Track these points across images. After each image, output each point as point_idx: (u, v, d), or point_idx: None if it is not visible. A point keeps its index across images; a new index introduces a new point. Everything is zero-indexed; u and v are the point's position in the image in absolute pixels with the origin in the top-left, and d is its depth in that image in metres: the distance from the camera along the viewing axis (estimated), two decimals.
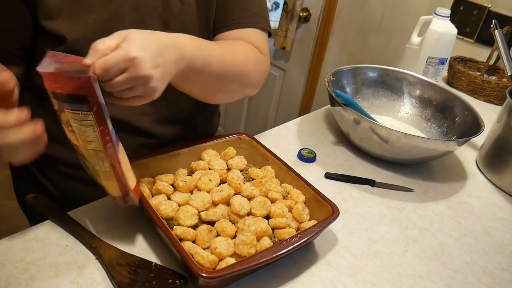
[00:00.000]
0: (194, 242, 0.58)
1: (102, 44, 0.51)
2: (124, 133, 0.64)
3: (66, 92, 0.47)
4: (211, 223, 0.60)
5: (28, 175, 0.87)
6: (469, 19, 1.47)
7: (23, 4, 0.64)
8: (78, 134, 0.50)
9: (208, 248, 0.57)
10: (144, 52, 0.51)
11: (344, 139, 0.97)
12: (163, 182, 0.66)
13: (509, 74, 1.02)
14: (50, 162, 0.81)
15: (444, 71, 1.28)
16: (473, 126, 0.90)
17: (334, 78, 0.99)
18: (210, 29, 0.80)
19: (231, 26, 0.79)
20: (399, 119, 1.07)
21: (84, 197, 0.68)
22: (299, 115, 1.08)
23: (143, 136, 0.78)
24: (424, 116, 1.04)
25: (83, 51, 0.65)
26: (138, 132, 0.77)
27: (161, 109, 0.78)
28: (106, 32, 0.65)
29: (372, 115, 0.96)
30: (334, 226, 0.70)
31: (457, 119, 0.97)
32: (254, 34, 0.81)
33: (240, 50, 0.75)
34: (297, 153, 0.88)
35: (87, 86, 0.47)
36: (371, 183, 0.83)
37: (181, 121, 0.83)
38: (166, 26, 0.73)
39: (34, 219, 0.64)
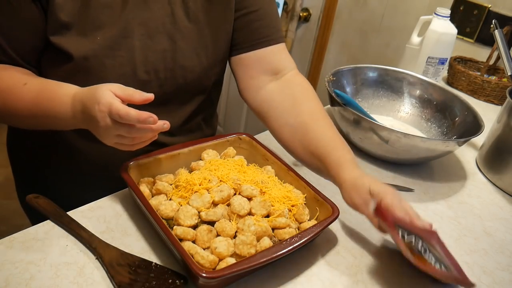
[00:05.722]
0: (194, 242, 0.58)
1: None
2: None
3: None
4: (211, 223, 0.60)
5: (31, 175, 0.88)
6: (469, 19, 1.47)
7: (37, 15, 0.64)
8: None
9: (208, 248, 0.57)
10: None
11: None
12: (163, 182, 0.66)
13: (509, 74, 1.02)
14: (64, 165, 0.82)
15: (444, 71, 1.28)
16: (473, 126, 0.90)
17: (334, 78, 0.99)
18: (224, 49, 0.80)
19: (259, 45, 0.80)
20: (399, 119, 1.07)
21: (82, 201, 0.68)
22: None
23: (152, 145, 0.78)
24: (424, 116, 1.04)
25: (92, 69, 0.67)
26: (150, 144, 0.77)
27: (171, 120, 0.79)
28: (114, 48, 0.67)
29: (372, 115, 0.97)
30: (334, 226, 0.70)
31: (457, 119, 0.97)
32: (280, 51, 0.82)
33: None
34: None
35: None
36: None
37: (189, 128, 0.85)
38: (173, 42, 0.73)
39: (36, 219, 0.64)
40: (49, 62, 0.69)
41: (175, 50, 0.73)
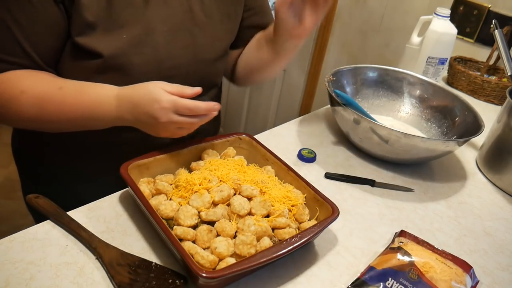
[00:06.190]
0: (194, 242, 0.58)
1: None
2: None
3: None
4: (211, 223, 0.60)
5: (38, 174, 0.88)
6: (469, 19, 1.47)
7: (60, 17, 0.65)
8: None
9: (208, 248, 0.57)
10: None
11: (344, 139, 0.97)
12: (163, 182, 0.66)
13: (509, 74, 1.02)
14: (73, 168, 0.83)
15: (444, 71, 1.28)
16: (473, 126, 0.90)
17: (334, 78, 0.99)
18: (232, 41, 0.86)
19: (253, 36, 0.91)
20: (399, 119, 1.07)
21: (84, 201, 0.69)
22: (299, 115, 1.08)
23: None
24: (424, 116, 1.04)
25: (118, 66, 0.69)
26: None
27: None
28: (139, 45, 0.69)
29: (372, 115, 0.96)
30: (334, 226, 0.70)
31: (457, 119, 0.97)
32: None
33: None
34: (297, 153, 0.88)
35: None
36: (371, 183, 0.83)
37: None
38: (193, 37, 0.76)
39: (40, 219, 0.65)
40: (72, 62, 0.69)
41: (195, 45, 0.76)
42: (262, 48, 0.84)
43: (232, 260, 0.55)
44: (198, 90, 0.63)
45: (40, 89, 0.65)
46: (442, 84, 1.22)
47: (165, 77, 0.72)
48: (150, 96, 0.61)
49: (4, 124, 0.69)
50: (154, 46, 0.71)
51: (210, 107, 0.62)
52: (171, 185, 0.67)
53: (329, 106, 1.07)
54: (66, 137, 0.78)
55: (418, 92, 1.06)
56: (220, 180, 0.67)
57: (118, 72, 0.69)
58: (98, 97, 0.64)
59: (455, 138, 0.94)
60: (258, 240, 0.58)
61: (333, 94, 0.88)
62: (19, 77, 0.65)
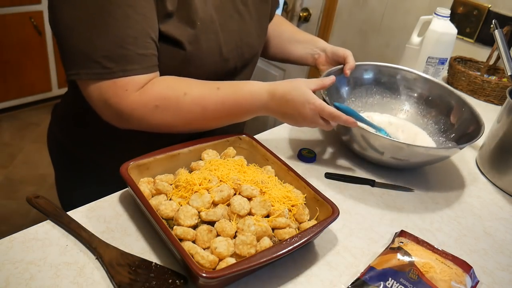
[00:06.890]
0: (194, 242, 0.58)
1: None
2: None
3: None
4: (211, 223, 0.61)
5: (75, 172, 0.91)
6: (469, 19, 1.47)
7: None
8: None
9: (208, 248, 0.57)
10: None
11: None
12: (163, 182, 0.66)
13: (509, 74, 1.02)
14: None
15: (444, 71, 1.28)
16: (473, 126, 0.90)
17: None
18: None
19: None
20: (396, 116, 1.05)
21: None
22: None
23: None
24: (420, 113, 1.03)
25: (195, 54, 0.72)
26: None
27: None
28: (207, 32, 0.74)
29: (369, 113, 0.96)
30: (334, 226, 0.70)
31: (456, 117, 0.97)
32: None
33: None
34: (297, 153, 0.88)
35: None
36: (371, 183, 0.83)
37: None
38: (238, 23, 0.82)
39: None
40: (164, 53, 0.71)
41: (241, 30, 0.82)
42: (296, 49, 1.07)
43: (232, 260, 0.55)
44: (333, 79, 0.77)
45: (200, 90, 0.70)
46: (439, 80, 1.21)
47: (225, 60, 0.79)
48: (304, 98, 0.71)
49: (151, 129, 0.71)
50: (216, 32, 0.75)
51: (350, 122, 0.73)
52: (171, 185, 0.67)
53: None
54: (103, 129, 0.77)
55: (415, 88, 1.04)
56: (220, 180, 0.67)
57: (189, 59, 0.72)
58: (252, 93, 0.72)
59: (453, 137, 0.93)
60: (258, 240, 0.58)
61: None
62: (173, 80, 0.70)
